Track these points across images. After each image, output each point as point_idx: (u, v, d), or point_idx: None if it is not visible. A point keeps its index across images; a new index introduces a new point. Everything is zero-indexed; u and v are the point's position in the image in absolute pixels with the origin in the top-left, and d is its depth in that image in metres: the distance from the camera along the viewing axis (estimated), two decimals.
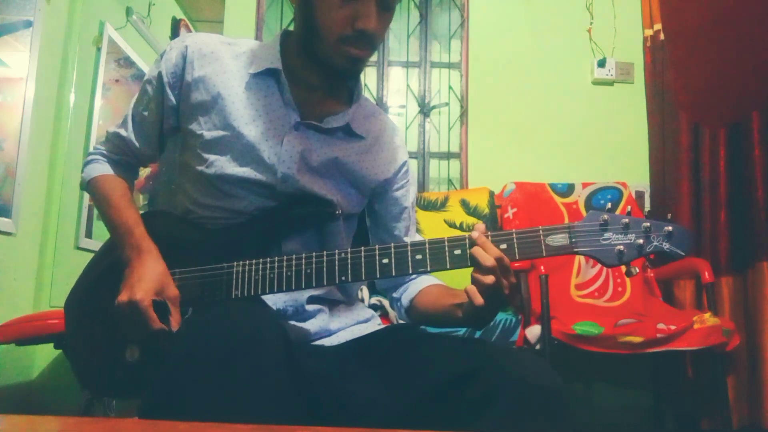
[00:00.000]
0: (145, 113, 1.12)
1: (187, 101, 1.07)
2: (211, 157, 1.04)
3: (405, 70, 3.12)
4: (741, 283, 2.42)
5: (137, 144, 1.15)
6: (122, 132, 1.15)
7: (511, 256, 0.89)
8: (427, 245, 0.93)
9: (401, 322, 2.20)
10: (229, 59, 1.08)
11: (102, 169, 1.16)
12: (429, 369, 0.88)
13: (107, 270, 1.08)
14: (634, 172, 2.84)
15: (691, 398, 2.47)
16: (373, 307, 2.17)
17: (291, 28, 1.10)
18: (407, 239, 1.19)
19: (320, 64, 1.03)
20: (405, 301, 1.16)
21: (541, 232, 0.89)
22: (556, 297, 2.36)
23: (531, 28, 3.07)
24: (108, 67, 2.82)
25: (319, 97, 1.09)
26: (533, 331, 2.15)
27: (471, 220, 2.67)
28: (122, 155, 1.17)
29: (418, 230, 2.67)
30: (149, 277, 0.96)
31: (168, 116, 1.11)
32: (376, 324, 1.15)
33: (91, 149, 1.21)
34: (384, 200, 1.18)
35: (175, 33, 3.53)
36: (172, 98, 1.08)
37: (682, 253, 0.86)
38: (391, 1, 0.99)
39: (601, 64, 2.99)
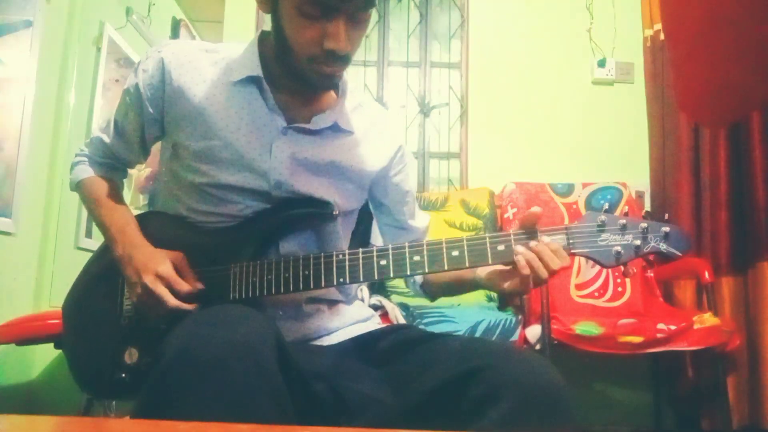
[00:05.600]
0: (126, 122, 1.12)
1: (170, 113, 1.06)
2: (203, 167, 1.03)
3: (405, 70, 3.12)
4: (741, 283, 2.41)
5: (119, 150, 1.16)
6: (105, 138, 1.15)
7: (508, 257, 0.90)
8: (425, 247, 0.93)
9: (401, 321, 2.21)
10: (208, 67, 1.06)
11: (88, 171, 1.16)
12: (430, 368, 0.88)
13: (103, 271, 1.09)
14: (634, 172, 2.83)
15: (691, 398, 2.47)
16: (374, 307, 2.16)
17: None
18: (413, 222, 1.21)
19: (295, 77, 1.02)
20: (418, 277, 1.17)
21: (538, 233, 0.89)
22: (556, 297, 2.36)
23: (531, 28, 3.07)
24: (108, 67, 2.81)
25: (304, 98, 1.08)
26: (533, 331, 2.15)
27: (471, 220, 2.66)
28: (106, 158, 1.18)
29: None
30: (148, 258, 0.98)
31: (149, 126, 1.10)
32: (375, 323, 1.16)
33: (77, 150, 1.21)
34: (385, 188, 1.17)
35: (175, 33, 3.53)
36: (152, 110, 1.08)
37: (679, 254, 0.87)
38: (360, 16, 0.95)
39: (601, 64, 2.99)
